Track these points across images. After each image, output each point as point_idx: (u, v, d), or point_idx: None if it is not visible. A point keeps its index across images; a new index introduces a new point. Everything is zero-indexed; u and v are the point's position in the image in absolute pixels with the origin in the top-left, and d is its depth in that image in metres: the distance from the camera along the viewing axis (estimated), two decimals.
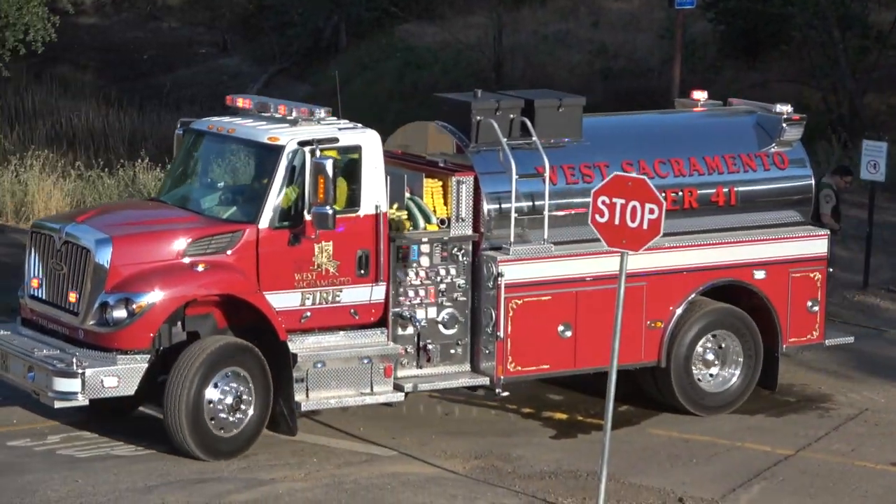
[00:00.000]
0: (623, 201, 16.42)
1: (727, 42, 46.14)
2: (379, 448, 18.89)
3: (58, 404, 15.87)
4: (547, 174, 17.79)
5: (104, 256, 16.12)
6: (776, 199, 20.19)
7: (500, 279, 17.65)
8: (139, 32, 51.37)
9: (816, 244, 20.41)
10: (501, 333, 17.74)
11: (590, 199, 16.35)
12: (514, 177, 17.57)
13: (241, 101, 18.98)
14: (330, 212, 16.47)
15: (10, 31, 35.39)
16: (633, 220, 16.31)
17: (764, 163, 19.93)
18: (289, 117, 17.99)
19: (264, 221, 16.88)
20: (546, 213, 17.86)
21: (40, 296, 16.96)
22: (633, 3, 48.51)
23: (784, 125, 20.15)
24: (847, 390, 23.00)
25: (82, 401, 15.92)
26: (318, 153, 16.73)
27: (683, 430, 19.99)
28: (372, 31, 47.62)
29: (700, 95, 21.41)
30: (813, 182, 21.19)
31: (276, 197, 17.01)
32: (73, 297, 16.33)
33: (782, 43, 45.80)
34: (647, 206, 16.13)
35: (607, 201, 16.44)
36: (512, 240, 17.74)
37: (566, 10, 48.34)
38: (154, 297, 15.98)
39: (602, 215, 16.60)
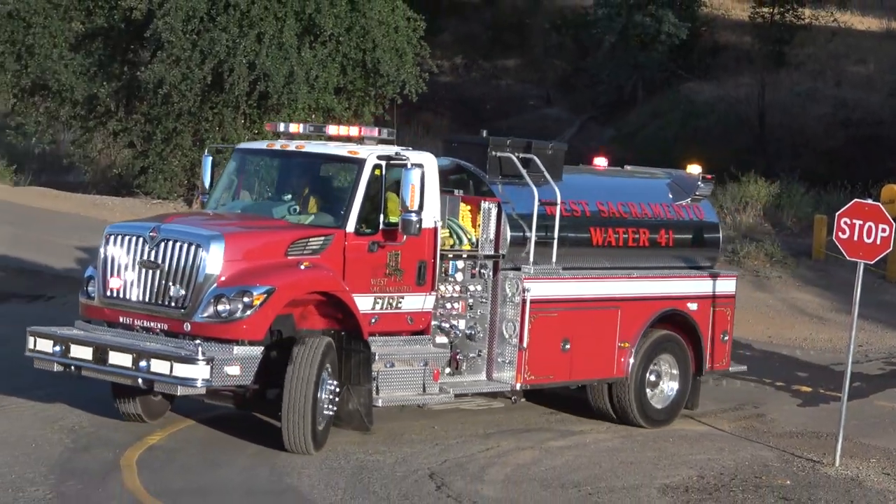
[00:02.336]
0: (861, 222, 17.16)
1: None
2: None
3: (181, 391, 15.04)
4: (559, 204, 17.84)
5: (217, 252, 15.41)
6: (695, 243, 20.31)
7: (526, 294, 17.52)
8: (484, 88, 53.55)
9: (730, 283, 20.53)
10: (525, 345, 17.53)
11: (574, 231, 18.25)
12: (537, 203, 17.61)
13: (294, 127, 18.92)
14: (415, 219, 16.23)
15: (390, 87, 36.57)
16: (868, 237, 17.09)
17: (687, 212, 19.99)
18: (350, 135, 17.99)
19: (350, 227, 16.50)
20: (556, 238, 17.89)
21: (126, 296, 15.82)
22: (870, 68, 49.51)
23: (700, 183, 20.30)
24: None
25: (201, 388, 15.04)
26: (409, 166, 16.38)
27: None
28: (662, 88, 49.54)
29: (600, 161, 20.99)
30: (721, 233, 21.36)
31: (360, 205, 16.59)
32: (176, 292, 15.49)
33: None
34: (881, 226, 16.92)
35: (849, 222, 17.23)
36: (531, 261, 17.71)
37: (815, 73, 49.69)
38: (270, 290, 15.36)
39: (844, 232, 17.30)
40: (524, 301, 17.68)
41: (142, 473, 14.83)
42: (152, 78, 34.55)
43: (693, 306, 19.65)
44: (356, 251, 16.55)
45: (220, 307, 15.39)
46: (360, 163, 17.01)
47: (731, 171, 33.89)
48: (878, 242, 16.91)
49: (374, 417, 16.47)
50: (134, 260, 15.89)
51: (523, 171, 18.17)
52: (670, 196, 20.15)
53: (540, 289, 17.90)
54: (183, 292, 15.52)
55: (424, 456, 16.20)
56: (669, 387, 19.31)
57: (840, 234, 17.25)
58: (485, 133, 19.08)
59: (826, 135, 45.37)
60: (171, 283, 15.59)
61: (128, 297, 15.93)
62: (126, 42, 37.18)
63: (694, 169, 20.93)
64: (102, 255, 16.14)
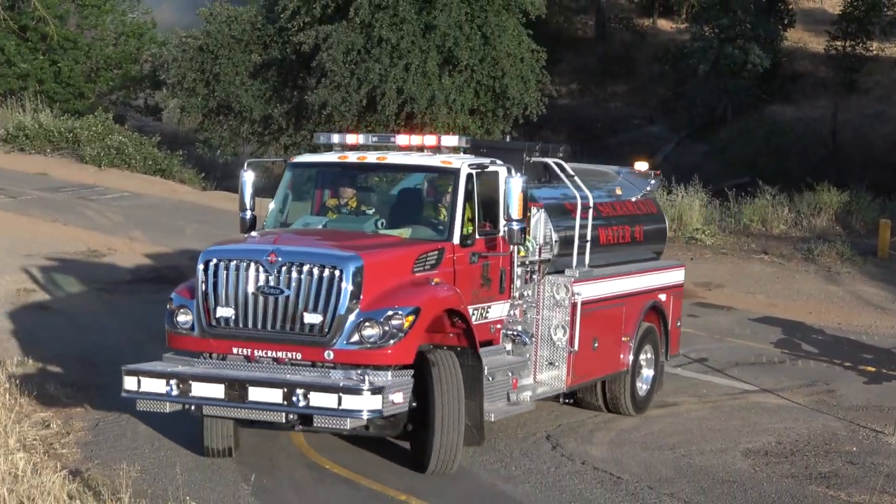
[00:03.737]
0: None
1: None
2: (747, 385, 19.46)
3: (350, 424, 12.65)
4: (592, 207, 16.32)
5: (357, 273, 12.92)
6: (655, 236, 19.29)
7: (576, 297, 15.81)
8: (595, 110, 53.22)
9: (682, 273, 19.65)
10: (576, 346, 15.95)
11: (596, 230, 16.55)
12: (580, 206, 16.07)
13: (351, 138, 16.36)
14: (520, 227, 14.40)
15: (515, 108, 36.24)
16: None
17: (644, 207, 18.95)
18: (426, 145, 15.70)
19: (456, 239, 14.47)
20: (589, 239, 16.41)
21: (242, 325, 13.21)
22: None
23: (651, 179, 19.33)
24: None
25: (364, 420, 12.60)
26: (513, 174, 14.52)
27: None
28: (748, 110, 49.08)
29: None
30: (666, 225, 20.42)
31: (461, 216, 14.54)
32: (312, 318, 12.90)
33: None
34: None
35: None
36: (575, 264, 16.22)
37: (882, 97, 49.32)
38: (417, 310, 13.03)
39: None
40: (574, 304, 15.95)
41: None
42: (317, 101, 35.21)
43: (663, 297, 18.78)
44: (462, 263, 14.58)
45: (368, 332, 12.96)
46: (455, 173, 14.94)
47: (807, 181, 33.72)
48: None
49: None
50: (249, 286, 13.27)
51: (564, 177, 16.62)
52: (632, 192, 18.97)
53: (586, 291, 16.24)
54: (320, 318, 13.00)
55: (541, 421, 16.50)
56: (648, 374, 18.22)
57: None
58: (509, 138, 18.09)
59: (891, 151, 44.64)
60: (303, 310, 13.07)
61: (244, 325, 13.34)
62: (296, 71, 37.64)
63: (641, 166, 19.73)
64: (203, 283, 13.49)
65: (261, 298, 13.26)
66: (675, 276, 19.39)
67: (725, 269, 28.01)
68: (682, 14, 54.48)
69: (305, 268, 13.16)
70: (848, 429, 17.11)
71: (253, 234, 15.43)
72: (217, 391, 12.91)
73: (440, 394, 13.26)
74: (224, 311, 13.35)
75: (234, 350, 13.49)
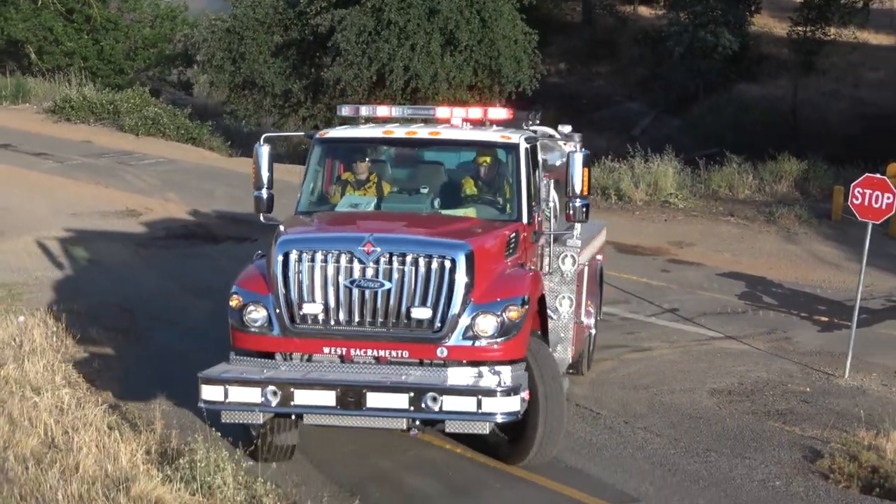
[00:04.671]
0: (870, 191, 16.71)
1: None
2: (713, 332, 19.27)
3: (488, 428, 10.87)
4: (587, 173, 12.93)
5: (470, 263, 10.87)
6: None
7: (582, 267, 14.31)
8: (581, 87, 52.78)
9: (605, 233, 17.73)
10: (582, 318, 14.77)
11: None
12: (587, 174, 12.60)
13: (383, 110, 13.68)
14: (582, 204, 12.54)
15: (509, 85, 36.19)
16: (875, 203, 16.68)
17: None
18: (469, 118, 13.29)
19: (525, 218, 12.56)
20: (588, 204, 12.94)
21: (334, 322, 11.02)
22: (881, 73, 48.93)
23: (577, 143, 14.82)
24: None
25: (499, 422, 10.79)
26: (577, 148, 12.83)
27: None
28: (718, 88, 48.61)
29: None
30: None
31: (526, 194, 12.60)
32: (421, 313, 10.81)
33: None
34: (886, 195, 16.46)
35: (861, 191, 16.77)
36: (576, 233, 14.01)
37: (838, 78, 49.03)
38: (526, 300, 11.17)
39: (857, 199, 16.81)
40: (581, 274, 14.34)
41: None
42: (332, 77, 35.24)
43: (600, 258, 17.35)
44: (528, 243, 12.59)
45: (484, 325, 10.94)
46: (515, 148, 12.78)
47: (770, 152, 33.53)
48: (884, 207, 16.73)
49: None
50: (342, 279, 10.97)
51: (561, 143, 14.56)
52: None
53: (583, 260, 14.53)
54: (429, 312, 10.87)
55: None
56: (593, 332, 16.44)
57: (854, 200, 17.01)
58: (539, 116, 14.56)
59: (845, 125, 44.60)
60: (408, 304, 10.91)
61: (337, 323, 11.06)
62: (313, 50, 37.51)
63: (565, 128, 16.02)
64: (283, 276, 11.08)
65: (356, 292, 10.97)
66: (603, 236, 17.77)
67: (696, 230, 27.91)
68: (661, 1, 54.08)
69: (409, 258, 10.94)
70: (803, 372, 17.18)
71: (312, 218, 12.79)
72: (327, 398, 10.62)
73: (543, 384, 11.53)
74: (311, 308, 10.99)
75: (325, 350, 11.18)
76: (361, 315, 11.06)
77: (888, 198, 16.63)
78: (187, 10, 48.25)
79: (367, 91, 35.46)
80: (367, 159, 13.56)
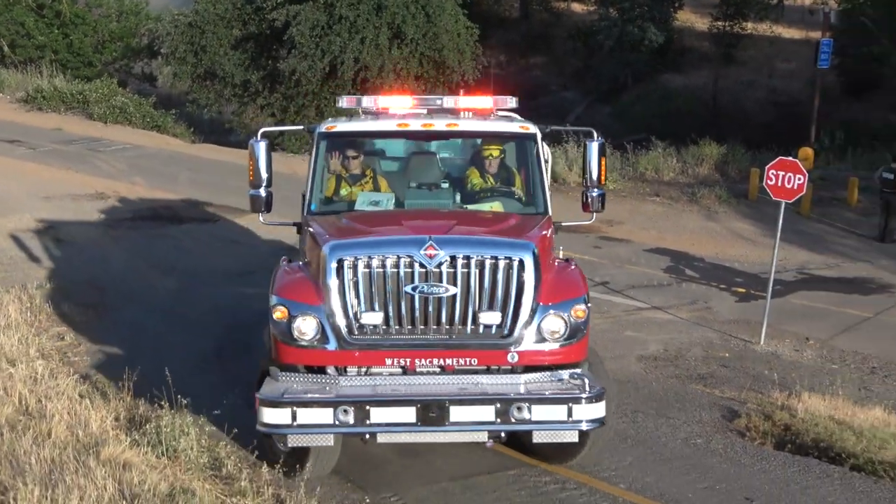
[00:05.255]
0: (783, 173, 16.70)
1: (845, 86, 45.16)
2: (641, 303, 19.20)
3: (572, 437, 10.09)
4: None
5: (536, 264, 9.65)
6: None
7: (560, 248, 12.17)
8: (519, 78, 50.43)
9: None
10: None
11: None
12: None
13: (385, 101, 11.99)
14: (599, 194, 11.44)
15: (454, 75, 35.88)
16: (788, 184, 16.70)
17: None
18: (480, 107, 11.91)
19: (550, 210, 11.48)
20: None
21: (396, 332, 9.66)
22: (793, 65, 48.79)
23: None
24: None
25: (585, 429, 9.89)
26: (595, 137, 11.33)
27: (811, 299, 20.35)
28: (645, 78, 48.61)
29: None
30: None
31: (548, 185, 11.62)
32: (489, 318, 9.58)
33: (879, 86, 43.98)
34: (797, 176, 16.57)
35: (775, 173, 16.77)
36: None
37: (754, 69, 49.20)
38: (585, 299, 10.11)
39: (771, 180, 16.80)
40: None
41: None
42: (287, 68, 35.04)
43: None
44: (552, 236, 11.23)
45: (554, 328, 9.83)
46: (533, 137, 11.56)
47: (692, 137, 33.64)
48: (795, 187, 16.85)
49: None
50: (403, 286, 9.60)
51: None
52: None
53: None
54: (499, 317, 9.62)
55: None
56: None
57: (769, 181, 17.07)
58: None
59: (761, 112, 45.05)
60: (476, 309, 9.63)
61: (399, 332, 9.68)
62: (270, 43, 37.17)
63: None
64: (338, 286, 9.63)
65: (419, 299, 9.63)
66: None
67: (625, 209, 27.80)
68: None
69: (474, 260, 9.59)
70: (722, 339, 17.33)
71: (343, 218, 11.05)
72: (406, 415, 9.40)
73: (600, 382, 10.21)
74: (371, 318, 9.62)
75: (387, 361, 9.77)
76: (425, 323, 9.68)
77: (799, 179, 16.72)
78: (148, 5, 47.58)
79: (321, 81, 35.44)
80: (360, 153, 11.99)
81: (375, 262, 9.59)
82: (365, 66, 34.65)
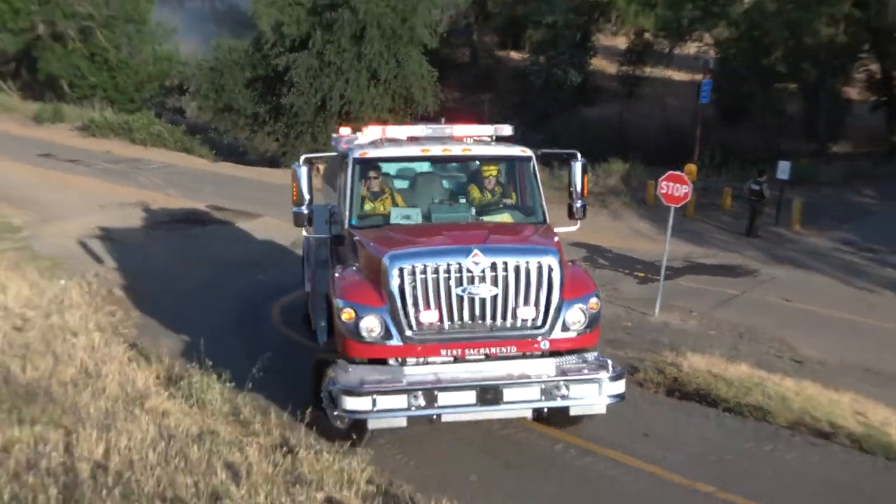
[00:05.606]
0: (672, 184, 16.67)
1: (721, 116, 44.62)
2: None
3: (600, 410, 9.71)
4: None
5: (560, 265, 9.37)
6: None
7: None
8: (471, 110, 46.68)
9: None
10: None
11: None
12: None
13: (394, 131, 11.25)
14: (581, 205, 11.46)
15: (419, 108, 35.47)
16: (676, 192, 16.60)
17: None
18: (481, 135, 11.36)
19: (548, 219, 11.10)
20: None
21: (449, 327, 9.21)
22: (682, 100, 47.48)
23: None
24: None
25: (608, 403, 9.60)
26: (578, 158, 11.33)
27: (695, 281, 20.13)
28: (569, 110, 46.91)
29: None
30: None
31: (543, 198, 11.11)
32: (526, 313, 9.22)
33: (747, 118, 43.33)
34: (683, 186, 16.53)
35: (666, 184, 16.71)
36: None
37: (652, 104, 48.02)
38: (598, 294, 9.85)
39: (663, 189, 16.67)
40: None
41: None
42: (288, 103, 34.75)
43: None
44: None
45: (576, 319, 9.53)
46: (530, 159, 11.16)
47: (604, 156, 33.59)
48: (682, 195, 16.75)
49: None
50: (455, 288, 9.16)
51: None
52: None
53: None
54: (533, 311, 9.29)
55: None
56: None
57: (661, 190, 16.97)
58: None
59: (657, 137, 44.45)
60: (514, 305, 9.28)
61: (451, 327, 9.26)
62: (274, 83, 36.74)
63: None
64: (399, 290, 9.16)
65: (467, 299, 9.20)
66: None
67: (552, 213, 27.38)
68: (526, 47, 54.33)
69: (512, 264, 9.22)
70: (626, 312, 17.36)
71: (389, 231, 10.26)
72: (468, 397, 9.08)
73: None
74: (428, 316, 9.19)
75: (443, 352, 9.33)
76: (472, 318, 9.25)
77: (685, 188, 16.70)
78: (179, 52, 47.16)
79: (314, 113, 35.00)
80: (379, 174, 11.14)
81: (430, 269, 9.16)
82: (348, 101, 34.37)
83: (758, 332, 16.53)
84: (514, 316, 9.25)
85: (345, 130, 13.00)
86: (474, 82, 55.38)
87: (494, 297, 9.20)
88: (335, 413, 9.59)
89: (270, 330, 14.69)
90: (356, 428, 9.69)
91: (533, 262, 9.26)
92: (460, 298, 9.17)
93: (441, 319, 9.20)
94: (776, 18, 37.14)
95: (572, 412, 9.71)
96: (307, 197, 10.61)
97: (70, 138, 38.44)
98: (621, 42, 52.68)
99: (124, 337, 13.74)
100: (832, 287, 20.26)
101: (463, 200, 11.03)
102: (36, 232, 21.39)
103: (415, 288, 9.13)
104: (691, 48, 46.57)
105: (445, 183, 11.47)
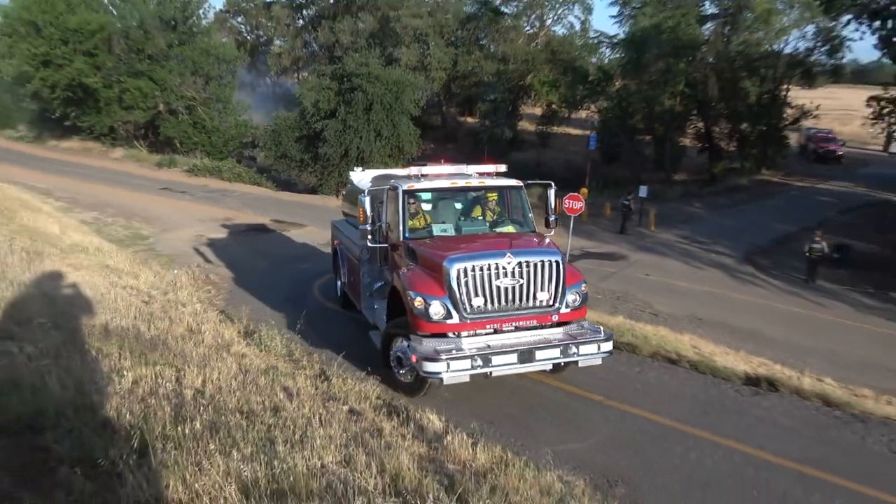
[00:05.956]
0: (572, 201, 16.49)
1: (603, 158, 43.71)
2: None
3: (604, 357, 8.98)
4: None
5: (562, 262, 8.91)
6: None
7: None
8: (440, 157, 53.67)
9: None
10: None
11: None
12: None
13: (428, 169, 10.39)
14: (554, 218, 10.74)
15: (406, 155, 33.82)
16: (575, 205, 16.31)
17: None
18: (489, 171, 10.61)
19: (535, 229, 10.25)
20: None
21: (491, 308, 8.70)
22: (578, 147, 46.90)
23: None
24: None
25: (603, 357, 8.95)
26: (552, 186, 10.84)
27: (588, 264, 18.80)
28: (506, 156, 42.37)
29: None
30: None
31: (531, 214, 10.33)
32: (542, 296, 8.81)
33: (619, 158, 43.29)
34: (578, 202, 16.26)
35: (568, 201, 16.38)
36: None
37: (560, 150, 48.08)
38: (585, 281, 9.27)
39: (566, 204, 16.43)
40: None
41: None
42: (323, 153, 33.91)
43: None
44: None
45: (573, 298, 9.04)
46: (522, 188, 10.50)
47: (527, 185, 33.39)
48: (578, 208, 16.50)
49: None
50: (495, 280, 8.67)
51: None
52: None
53: None
54: (548, 295, 8.86)
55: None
56: None
57: (565, 205, 16.65)
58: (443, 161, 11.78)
59: (562, 172, 43.56)
60: (534, 291, 8.81)
61: (493, 308, 8.73)
62: (314, 139, 35.86)
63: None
64: (457, 284, 8.58)
65: (503, 288, 8.73)
66: None
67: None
68: (477, 114, 54.19)
69: (532, 263, 8.81)
70: None
71: (440, 241, 9.49)
72: (511, 358, 8.52)
73: None
74: (477, 301, 8.68)
75: (487, 327, 8.77)
76: (506, 301, 8.76)
77: (579, 204, 16.55)
78: (253, 122, 46.44)
79: (339, 159, 34.06)
80: (416, 200, 10.01)
81: (477, 267, 8.64)
82: (362, 151, 33.69)
83: (629, 295, 16.13)
84: (535, 298, 8.81)
85: (357, 169, 12.47)
86: (443, 137, 55.09)
87: (521, 286, 8.76)
88: (401, 371, 9.04)
89: (311, 300, 14.26)
90: (418, 382, 9.01)
91: (546, 260, 8.86)
92: (498, 288, 8.70)
93: (485, 303, 8.67)
94: (636, 95, 37.72)
95: (581, 365, 8.97)
96: (369, 218, 9.79)
97: (180, 177, 37.72)
98: (538, 110, 52.35)
99: (217, 307, 13.33)
100: (676, 266, 19.87)
101: (480, 217, 10.20)
102: (158, 238, 20.95)
103: (467, 281, 8.62)
104: (583, 113, 46.43)
105: (457, 205, 10.45)
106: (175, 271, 15.46)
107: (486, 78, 48.48)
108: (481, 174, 10.45)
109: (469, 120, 58.20)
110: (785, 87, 38.83)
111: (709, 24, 39.98)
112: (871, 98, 28.30)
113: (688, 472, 7.44)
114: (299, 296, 14.48)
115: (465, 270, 8.60)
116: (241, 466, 5.26)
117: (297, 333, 11.11)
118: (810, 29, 37.04)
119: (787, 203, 31.23)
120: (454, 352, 8.44)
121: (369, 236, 9.94)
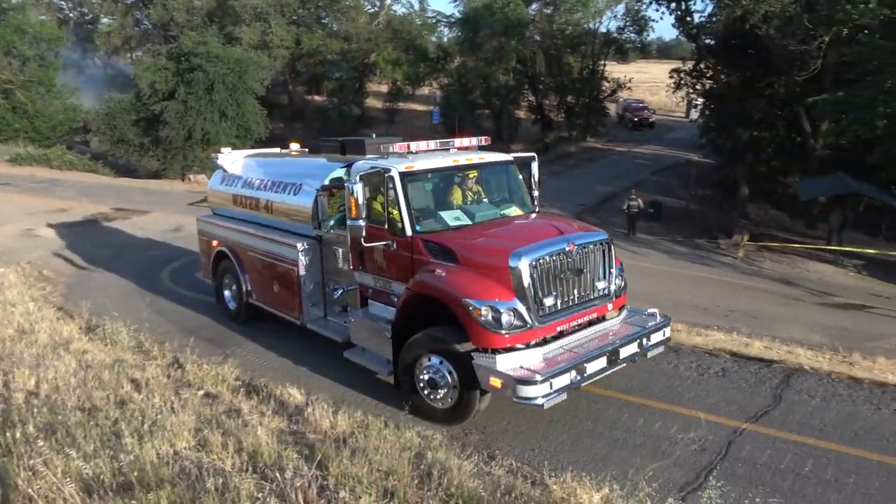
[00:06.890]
0: None
1: (446, 130, 41.32)
2: None
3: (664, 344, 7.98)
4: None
5: (611, 246, 7.63)
6: None
7: None
8: (289, 136, 45.54)
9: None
10: None
11: None
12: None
13: (416, 145, 8.23)
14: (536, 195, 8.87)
15: (253, 135, 32.60)
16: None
17: None
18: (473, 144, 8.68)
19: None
20: None
21: (561, 306, 7.23)
22: (423, 122, 45.63)
23: None
24: None
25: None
26: (535, 159, 9.10)
27: None
28: (353, 132, 42.39)
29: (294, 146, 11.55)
30: None
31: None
32: (601, 284, 7.57)
33: (461, 130, 43.31)
34: None
35: None
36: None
37: (404, 125, 46.25)
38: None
39: None
40: None
41: None
42: (164, 135, 32.12)
43: None
44: None
45: (621, 284, 7.86)
46: (512, 163, 8.81)
47: None
48: None
49: None
50: (561, 273, 7.26)
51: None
52: None
53: None
54: (605, 283, 7.60)
55: None
56: None
57: None
58: (374, 135, 10.06)
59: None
60: (593, 280, 7.53)
61: (561, 307, 7.29)
62: (153, 121, 33.11)
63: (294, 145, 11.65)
64: (530, 282, 6.99)
65: (568, 280, 7.29)
66: None
67: None
68: (324, 93, 53.06)
69: (590, 248, 7.47)
70: None
71: (474, 232, 7.68)
72: (602, 363, 7.13)
73: None
74: (549, 300, 7.13)
75: (558, 329, 7.22)
76: (570, 295, 7.33)
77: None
78: (83, 105, 42.12)
79: (183, 142, 32.18)
80: (437, 181, 8.24)
81: (544, 260, 7.08)
82: (206, 132, 31.92)
83: None
84: (594, 288, 7.52)
85: (226, 150, 10.68)
86: (291, 117, 53.43)
87: (583, 276, 7.41)
88: (437, 396, 7.25)
89: (162, 286, 13.50)
90: (462, 403, 7.22)
91: (600, 243, 7.56)
92: (564, 281, 7.26)
93: (554, 301, 7.18)
94: (474, 71, 38.53)
95: (650, 355, 7.81)
96: (363, 212, 7.56)
97: (1, 168, 33.58)
98: (384, 87, 51.97)
99: (53, 304, 12.24)
100: None
101: (486, 200, 8.34)
102: None
103: (537, 278, 7.03)
104: (426, 90, 47.13)
105: (458, 187, 8.39)
106: (1, 270, 14.33)
107: (331, 56, 47.44)
108: (462, 149, 8.53)
109: (317, 98, 56.54)
110: (602, 62, 40.69)
111: (534, 5, 41.71)
112: (672, 70, 31.16)
113: (528, 413, 7.66)
114: (148, 284, 14.03)
115: (535, 265, 7.02)
116: (82, 464, 4.98)
117: (146, 323, 10.37)
118: (620, 9, 39.63)
119: (610, 166, 32.79)
120: (546, 367, 6.79)
121: (361, 235, 7.66)
